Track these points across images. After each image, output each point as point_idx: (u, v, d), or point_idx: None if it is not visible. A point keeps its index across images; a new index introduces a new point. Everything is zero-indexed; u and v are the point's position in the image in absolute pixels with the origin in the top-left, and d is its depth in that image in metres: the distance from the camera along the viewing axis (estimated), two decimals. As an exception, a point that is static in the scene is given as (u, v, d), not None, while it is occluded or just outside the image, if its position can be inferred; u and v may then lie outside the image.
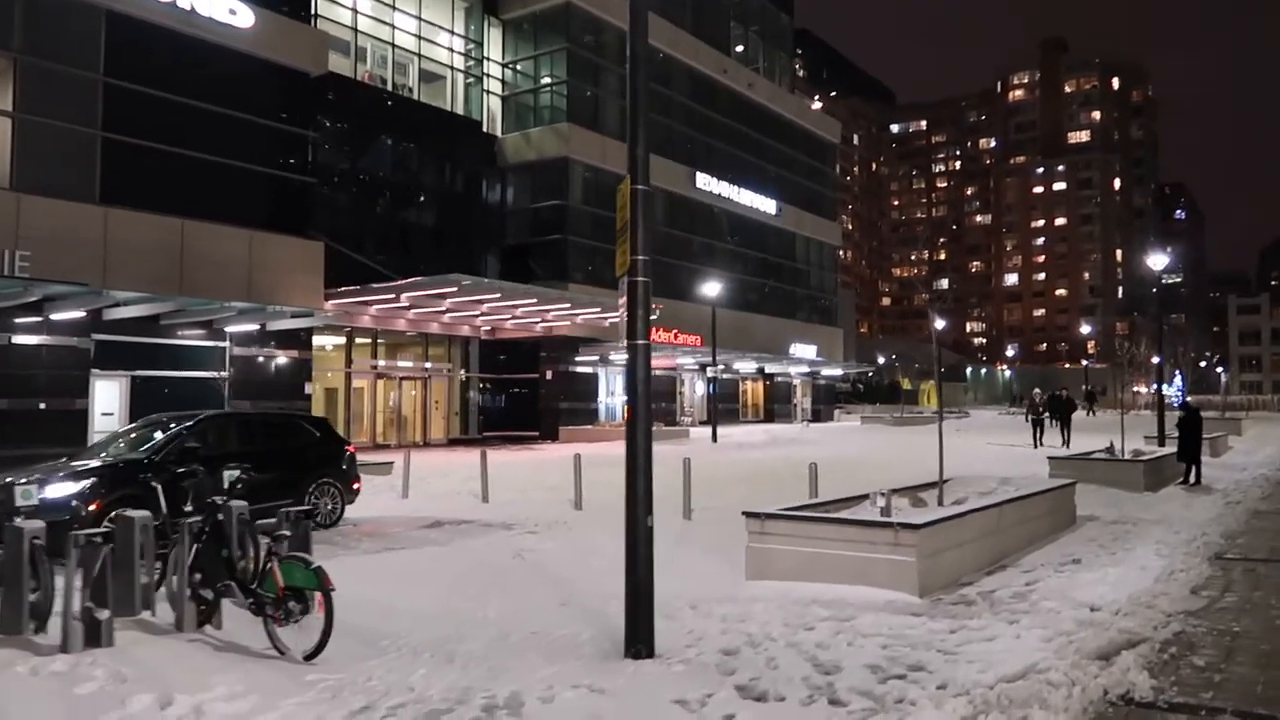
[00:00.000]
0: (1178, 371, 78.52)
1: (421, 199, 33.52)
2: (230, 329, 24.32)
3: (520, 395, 35.37)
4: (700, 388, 44.12)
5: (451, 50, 34.63)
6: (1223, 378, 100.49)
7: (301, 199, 25.85)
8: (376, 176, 31.79)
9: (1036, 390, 30.53)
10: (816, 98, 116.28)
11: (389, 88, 32.21)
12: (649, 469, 5.95)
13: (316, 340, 28.84)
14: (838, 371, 52.79)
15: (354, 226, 30.23)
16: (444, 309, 28.50)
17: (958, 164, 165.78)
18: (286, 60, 25.05)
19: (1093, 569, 8.83)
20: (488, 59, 36.09)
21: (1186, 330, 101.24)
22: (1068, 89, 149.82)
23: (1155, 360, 31.20)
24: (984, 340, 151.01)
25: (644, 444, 5.94)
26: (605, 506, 14.49)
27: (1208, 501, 14.70)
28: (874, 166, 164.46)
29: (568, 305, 28.86)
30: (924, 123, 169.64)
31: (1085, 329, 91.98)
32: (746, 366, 45.82)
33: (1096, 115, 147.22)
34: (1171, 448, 19.39)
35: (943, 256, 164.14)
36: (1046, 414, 28.67)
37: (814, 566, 8.11)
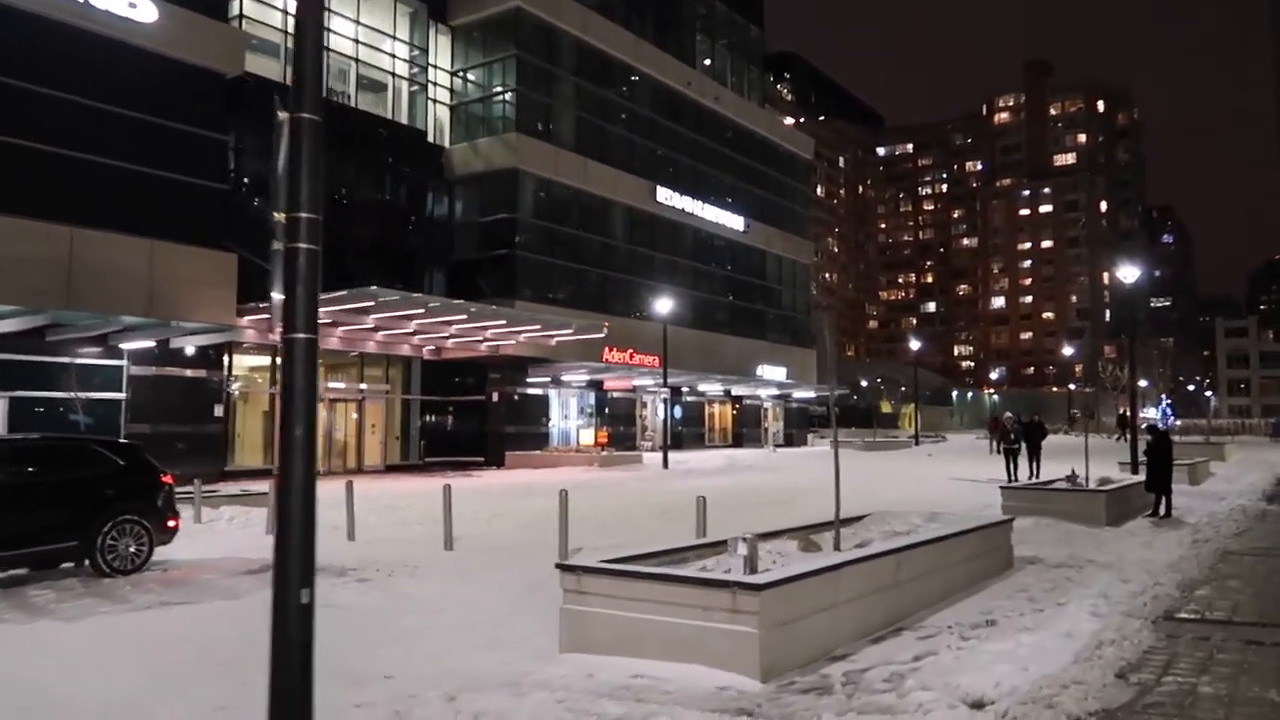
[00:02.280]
0: (1162, 395, 77.03)
1: (360, 212, 31.71)
2: (127, 346, 22.51)
3: (467, 419, 33.47)
4: (663, 410, 42.28)
5: (394, 57, 33.02)
6: (1211, 401, 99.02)
7: (213, 208, 24.03)
8: (308, 187, 29.95)
9: (1008, 414, 28.35)
10: (802, 119, 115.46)
11: (324, 94, 30.48)
12: (310, 520, 4.12)
13: (238, 360, 27.04)
14: (810, 394, 50.97)
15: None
16: (371, 326, 26.68)
17: (944, 187, 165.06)
18: (197, 59, 23.35)
19: (1006, 635, 7.01)
20: (435, 67, 34.50)
21: (1167, 353, 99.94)
22: (1053, 111, 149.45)
23: (1142, 383, 29.82)
24: (971, 364, 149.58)
25: (303, 483, 4.12)
26: (483, 546, 12.69)
27: (1173, 539, 12.88)
28: (860, 190, 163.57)
29: (504, 322, 27.03)
30: (910, 145, 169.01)
31: (1068, 351, 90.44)
32: (712, 389, 44.05)
33: (1082, 138, 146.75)
34: (1144, 475, 17.60)
35: (930, 280, 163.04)
36: (1019, 442, 25.68)
37: (639, 637, 6.27)
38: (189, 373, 24.14)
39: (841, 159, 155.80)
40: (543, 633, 7.18)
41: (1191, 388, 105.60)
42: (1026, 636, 6.88)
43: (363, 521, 14.61)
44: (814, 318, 53.31)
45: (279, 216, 4.34)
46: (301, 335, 4.19)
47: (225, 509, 15.93)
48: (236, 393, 26.93)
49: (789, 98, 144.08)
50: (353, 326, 26.73)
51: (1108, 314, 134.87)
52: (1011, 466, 24.81)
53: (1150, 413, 70.40)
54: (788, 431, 51.02)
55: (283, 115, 4.37)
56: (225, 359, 25.92)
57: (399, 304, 24.23)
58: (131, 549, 10.22)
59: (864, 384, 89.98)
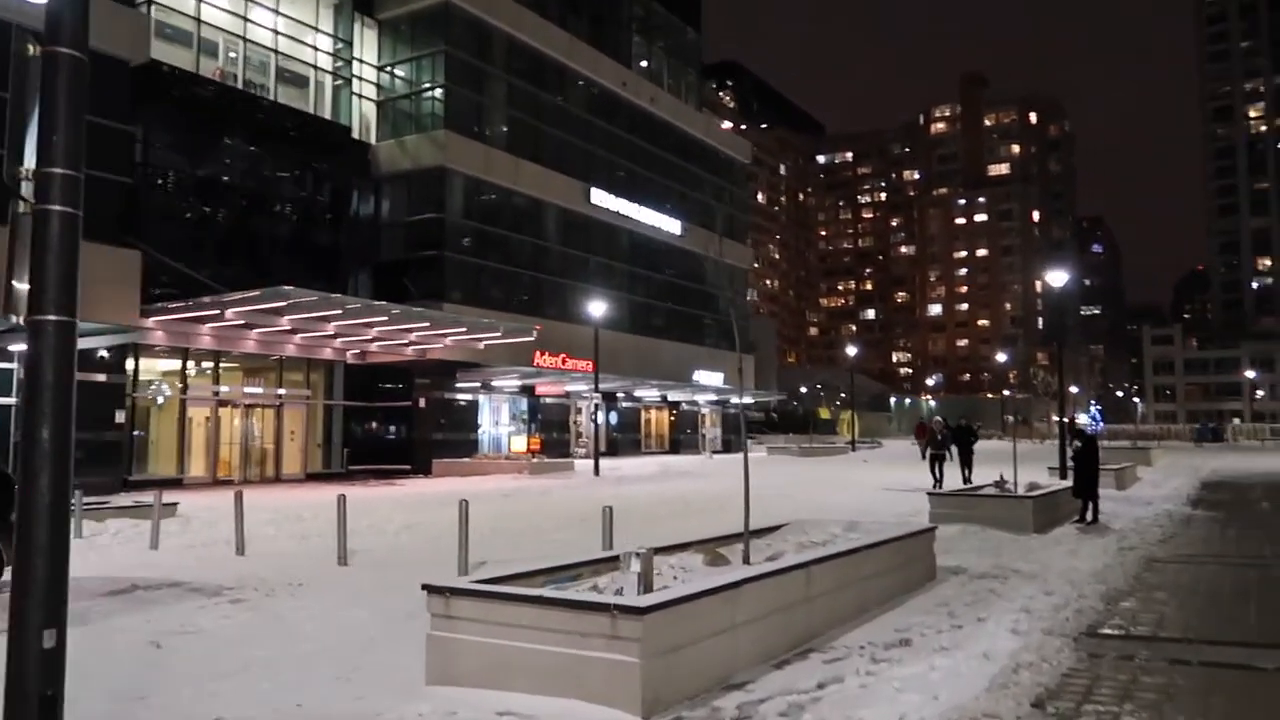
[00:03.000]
0: (1092, 401, 78.66)
1: (280, 209, 30.51)
2: (17, 348, 21.07)
3: (393, 425, 32.42)
4: (599, 417, 41.60)
5: (317, 49, 31.87)
6: (1139, 408, 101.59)
7: (115, 202, 22.69)
8: (223, 183, 28.73)
9: (937, 419, 28.08)
10: (744, 126, 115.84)
11: (240, 86, 29.26)
12: (61, 544, 3.37)
13: (145, 363, 25.69)
14: (748, 400, 50.72)
15: (193, 237, 27.20)
16: (289, 328, 25.54)
17: (883, 195, 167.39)
18: (98, 45, 21.82)
19: (920, 657, 6.46)
20: (361, 61, 33.41)
21: (1097, 359, 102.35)
22: (988, 122, 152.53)
23: (1073, 389, 30.06)
24: (909, 370, 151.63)
25: (51, 500, 3.37)
26: (381, 561, 11.84)
27: (1099, 546, 12.57)
28: (801, 197, 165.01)
29: (428, 325, 26.10)
30: (850, 154, 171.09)
31: (1001, 358, 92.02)
32: (649, 394, 43.49)
33: (1015, 148, 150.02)
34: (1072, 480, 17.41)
35: (869, 287, 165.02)
36: (947, 447, 25.38)
37: (512, 668, 5.58)
38: (94, 377, 22.76)
39: (783, 166, 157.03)
40: (415, 662, 6.43)
41: (1120, 394, 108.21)
42: (941, 659, 6.33)
43: (259, 534, 13.70)
44: (752, 323, 53.16)
45: (24, 170, 3.57)
46: (52, 318, 3.43)
47: (112, 522, 14.78)
48: (147, 397, 25.58)
49: (731, 105, 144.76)
50: (269, 329, 25.55)
51: (1040, 321, 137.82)
52: (938, 471, 24.42)
53: (1082, 418, 71.82)
54: (726, 437, 50.69)
55: (34, 50, 3.60)
56: (131, 362, 24.61)
57: (317, 305, 23.17)
58: (-22, 569, 9.20)
59: (803, 390, 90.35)
